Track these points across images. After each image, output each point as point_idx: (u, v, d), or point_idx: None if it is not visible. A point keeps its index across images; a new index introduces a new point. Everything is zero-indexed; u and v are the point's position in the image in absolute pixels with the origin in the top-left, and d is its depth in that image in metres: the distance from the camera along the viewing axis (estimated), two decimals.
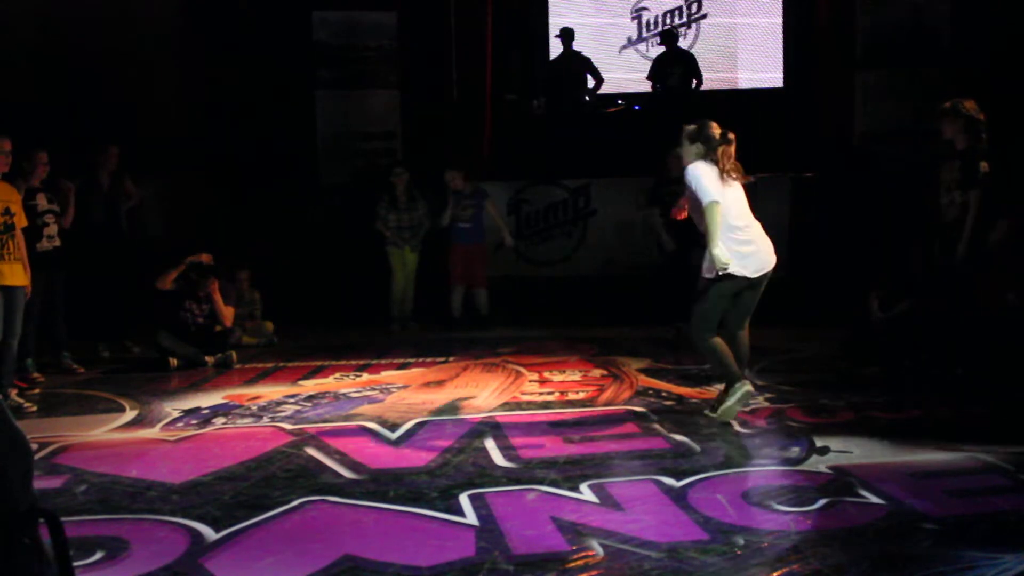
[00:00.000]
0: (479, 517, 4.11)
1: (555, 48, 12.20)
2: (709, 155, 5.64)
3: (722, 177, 5.60)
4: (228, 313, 8.26)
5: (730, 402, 5.62)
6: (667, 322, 9.01)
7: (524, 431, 5.59)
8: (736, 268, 5.48)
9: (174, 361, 7.89)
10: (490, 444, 5.30)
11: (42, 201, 7.51)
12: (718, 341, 5.66)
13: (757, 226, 5.70)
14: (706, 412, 5.80)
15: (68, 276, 7.89)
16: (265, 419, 6.07)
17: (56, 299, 7.74)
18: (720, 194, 5.52)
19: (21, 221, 6.75)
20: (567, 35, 11.78)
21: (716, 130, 5.68)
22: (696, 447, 5.15)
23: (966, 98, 6.65)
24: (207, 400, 6.66)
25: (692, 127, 5.74)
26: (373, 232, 9.77)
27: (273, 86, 11.20)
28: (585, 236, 10.94)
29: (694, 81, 11.56)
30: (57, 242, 7.62)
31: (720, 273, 5.47)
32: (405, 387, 6.96)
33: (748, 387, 5.68)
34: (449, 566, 3.57)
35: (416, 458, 5.08)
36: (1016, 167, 7.18)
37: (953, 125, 6.62)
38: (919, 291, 7.19)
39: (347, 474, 4.82)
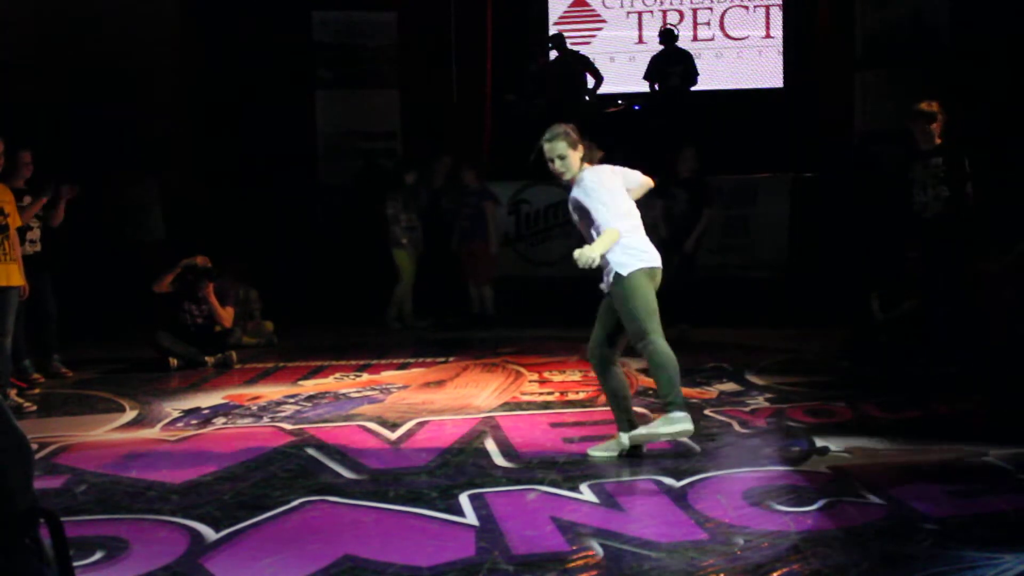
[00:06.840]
0: (479, 517, 4.10)
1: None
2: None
3: None
4: (226, 314, 8.25)
5: (662, 429, 4.85)
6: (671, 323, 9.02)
7: (524, 431, 5.59)
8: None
9: (174, 361, 7.89)
10: (490, 444, 5.30)
11: (27, 204, 7.23)
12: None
13: None
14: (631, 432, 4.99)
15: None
16: (265, 419, 6.07)
17: (46, 303, 7.47)
18: None
19: (15, 222, 6.73)
20: (558, 40, 11.70)
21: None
22: (696, 447, 5.14)
23: (933, 99, 6.87)
24: (207, 400, 6.66)
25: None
26: (373, 231, 9.76)
27: (273, 86, 11.21)
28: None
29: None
30: (39, 247, 7.37)
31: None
32: (405, 387, 6.96)
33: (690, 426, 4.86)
34: (449, 566, 3.57)
35: (416, 458, 5.08)
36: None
37: (924, 126, 6.81)
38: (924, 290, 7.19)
39: (347, 474, 4.81)
